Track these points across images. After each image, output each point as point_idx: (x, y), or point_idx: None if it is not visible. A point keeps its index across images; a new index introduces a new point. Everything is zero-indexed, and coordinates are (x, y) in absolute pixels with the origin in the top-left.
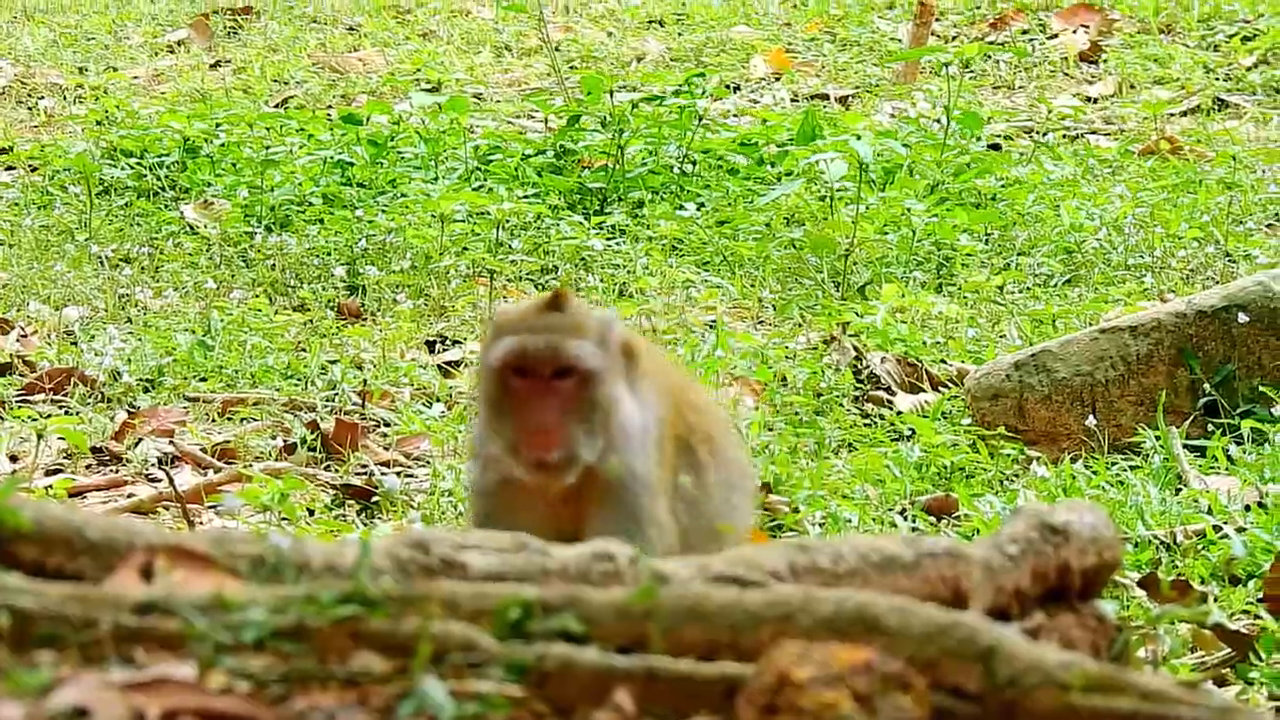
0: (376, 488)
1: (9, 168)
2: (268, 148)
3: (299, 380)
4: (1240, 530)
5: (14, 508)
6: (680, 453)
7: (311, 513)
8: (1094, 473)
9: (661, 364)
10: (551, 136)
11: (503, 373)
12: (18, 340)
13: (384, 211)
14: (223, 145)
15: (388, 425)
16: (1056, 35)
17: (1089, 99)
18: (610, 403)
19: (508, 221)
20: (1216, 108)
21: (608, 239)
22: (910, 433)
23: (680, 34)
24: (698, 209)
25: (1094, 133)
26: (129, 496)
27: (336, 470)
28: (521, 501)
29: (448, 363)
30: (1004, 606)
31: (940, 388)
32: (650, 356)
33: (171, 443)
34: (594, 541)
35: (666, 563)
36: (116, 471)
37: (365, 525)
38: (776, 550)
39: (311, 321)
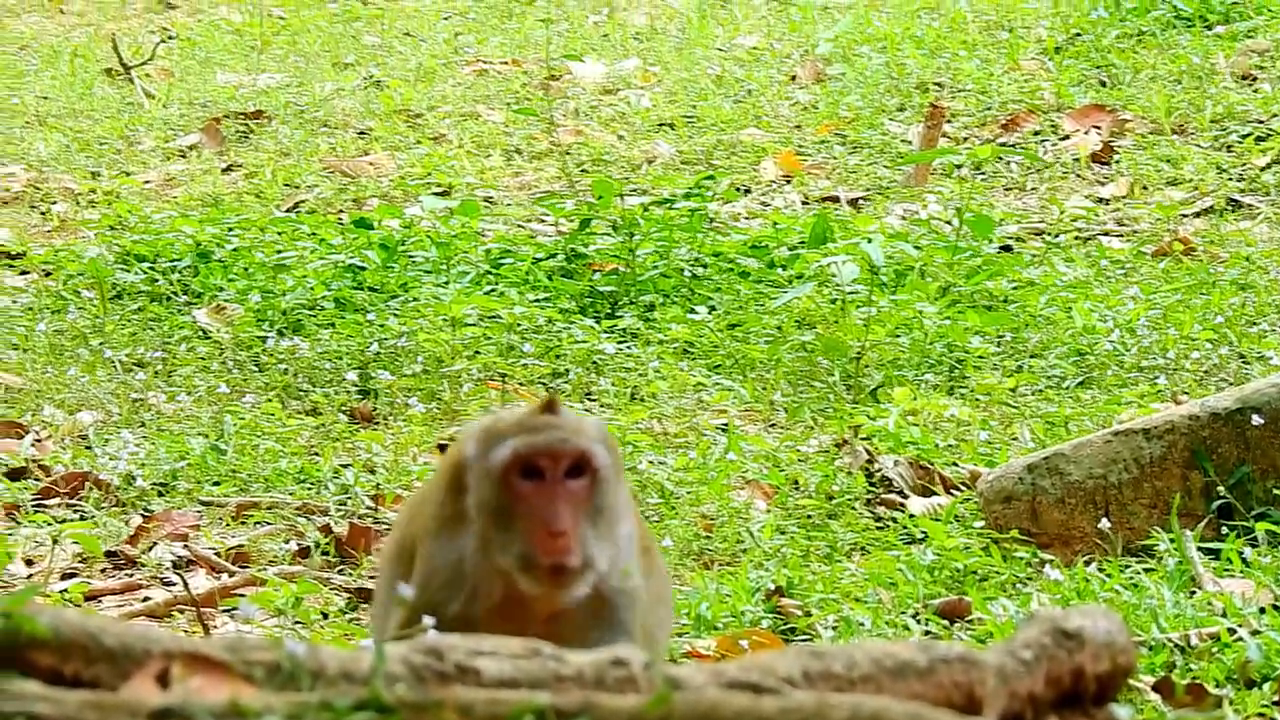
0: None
1: (22, 273)
2: (279, 252)
3: (312, 484)
4: (1255, 633)
5: (31, 615)
6: (646, 560)
7: (326, 616)
8: (1108, 575)
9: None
10: (562, 240)
11: (508, 476)
12: (32, 445)
13: (396, 315)
14: (235, 250)
15: None
16: (1068, 136)
17: (1101, 200)
18: (616, 508)
19: (519, 325)
20: (1230, 208)
21: (619, 342)
22: (923, 536)
23: (691, 136)
24: (709, 312)
25: (1106, 234)
26: (144, 600)
27: (350, 574)
28: (497, 628)
29: None
30: (1018, 712)
31: (953, 490)
32: None
33: (186, 546)
34: (609, 649)
35: (680, 668)
36: (131, 575)
37: None
38: (790, 656)
39: (324, 425)
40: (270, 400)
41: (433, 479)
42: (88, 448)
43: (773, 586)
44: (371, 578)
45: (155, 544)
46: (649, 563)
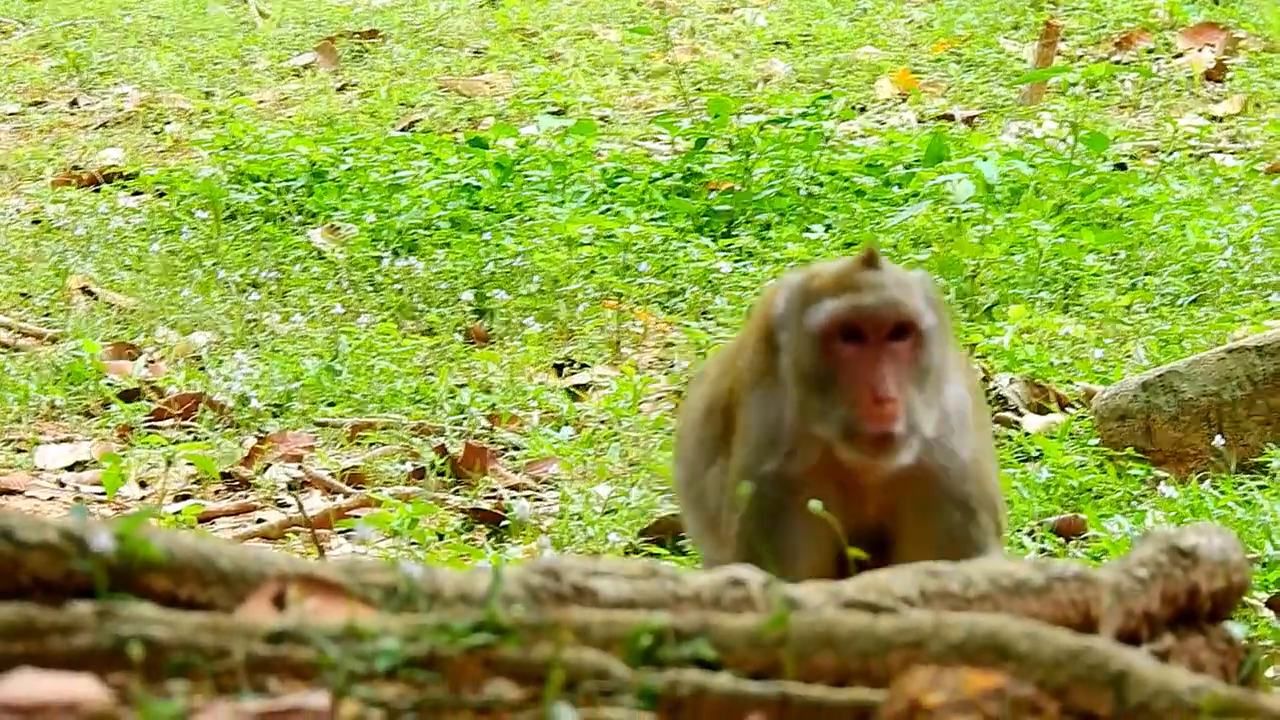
0: (506, 512)
1: (136, 193)
2: (394, 172)
3: (427, 405)
4: None
5: (146, 538)
6: (979, 412)
7: (441, 537)
8: (1221, 493)
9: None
10: (678, 159)
11: (828, 339)
12: (146, 366)
13: (511, 235)
14: (349, 170)
15: (516, 449)
16: (1182, 55)
17: (1215, 118)
18: (943, 370)
19: (635, 245)
20: None
21: (735, 261)
22: (1038, 454)
23: (806, 55)
24: (825, 231)
25: (1220, 152)
26: (258, 522)
27: (466, 495)
28: (820, 495)
29: (576, 386)
30: (1134, 630)
31: (1068, 409)
32: None
33: (300, 468)
34: (726, 569)
35: (798, 588)
36: (246, 497)
37: (495, 550)
38: (907, 575)
39: (439, 346)
40: (385, 321)
41: (745, 332)
42: (201, 369)
43: None
44: (489, 497)
45: (270, 465)
46: (980, 417)
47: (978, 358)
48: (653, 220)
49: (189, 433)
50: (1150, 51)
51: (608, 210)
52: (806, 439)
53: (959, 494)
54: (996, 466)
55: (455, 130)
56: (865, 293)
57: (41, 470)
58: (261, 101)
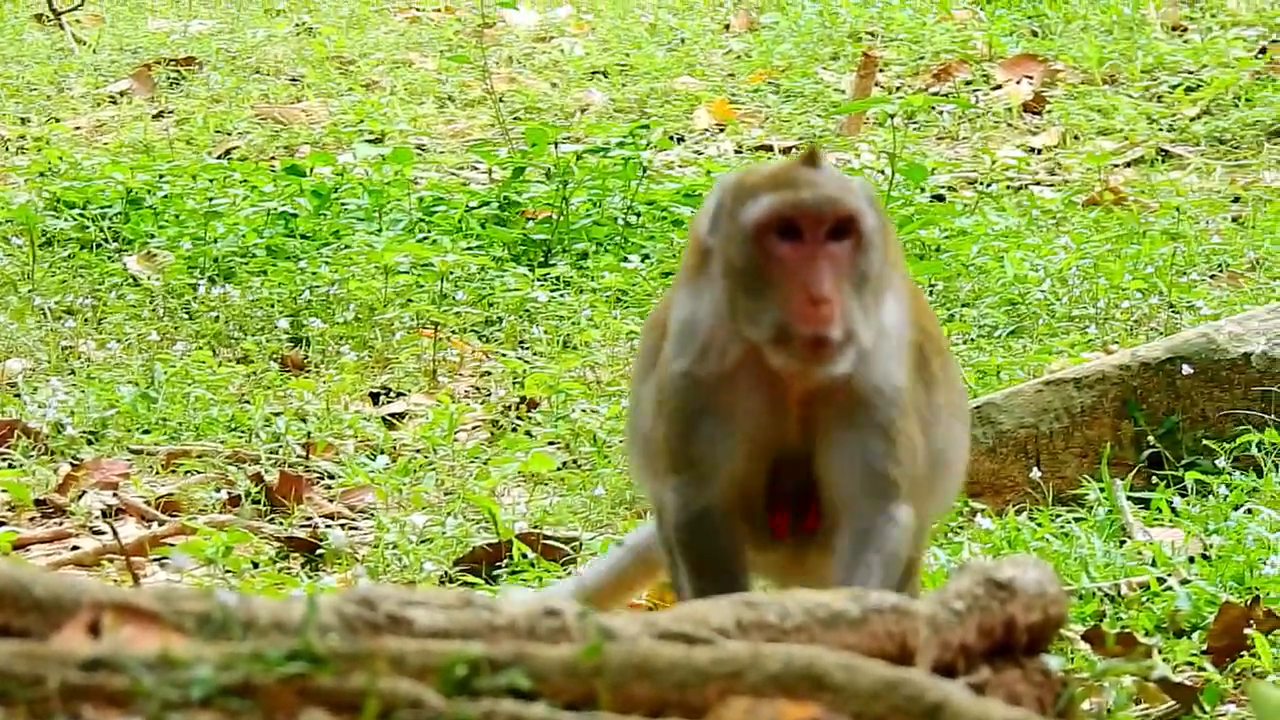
0: (321, 541)
1: None
2: (211, 199)
3: (243, 433)
4: (1184, 583)
5: None
6: (916, 365)
7: (256, 566)
8: (1038, 525)
9: (899, 257)
10: (495, 188)
11: (762, 235)
12: None
13: (328, 263)
14: (165, 197)
15: (332, 478)
16: (1000, 86)
17: (1033, 150)
18: (880, 279)
19: (452, 273)
20: (1160, 158)
21: (552, 290)
22: None
23: (624, 85)
24: (642, 260)
25: (1038, 183)
26: (73, 549)
27: (281, 523)
28: (739, 404)
29: (392, 415)
30: (950, 662)
31: None
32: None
33: (115, 495)
34: (544, 597)
35: (613, 618)
36: (60, 524)
37: (310, 579)
38: (724, 606)
39: (255, 373)
40: (201, 348)
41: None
42: (17, 395)
43: None
44: (303, 526)
45: (84, 493)
46: (941, 365)
47: None
48: (469, 249)
49: (4, 460)
50: (969, 83)
51: (425, 239)
52: (729, 341)
53: (883, 421)
54: (955, 425)
55: (272, 158)
56: (804, 188)
57: None
58: (78, 128)
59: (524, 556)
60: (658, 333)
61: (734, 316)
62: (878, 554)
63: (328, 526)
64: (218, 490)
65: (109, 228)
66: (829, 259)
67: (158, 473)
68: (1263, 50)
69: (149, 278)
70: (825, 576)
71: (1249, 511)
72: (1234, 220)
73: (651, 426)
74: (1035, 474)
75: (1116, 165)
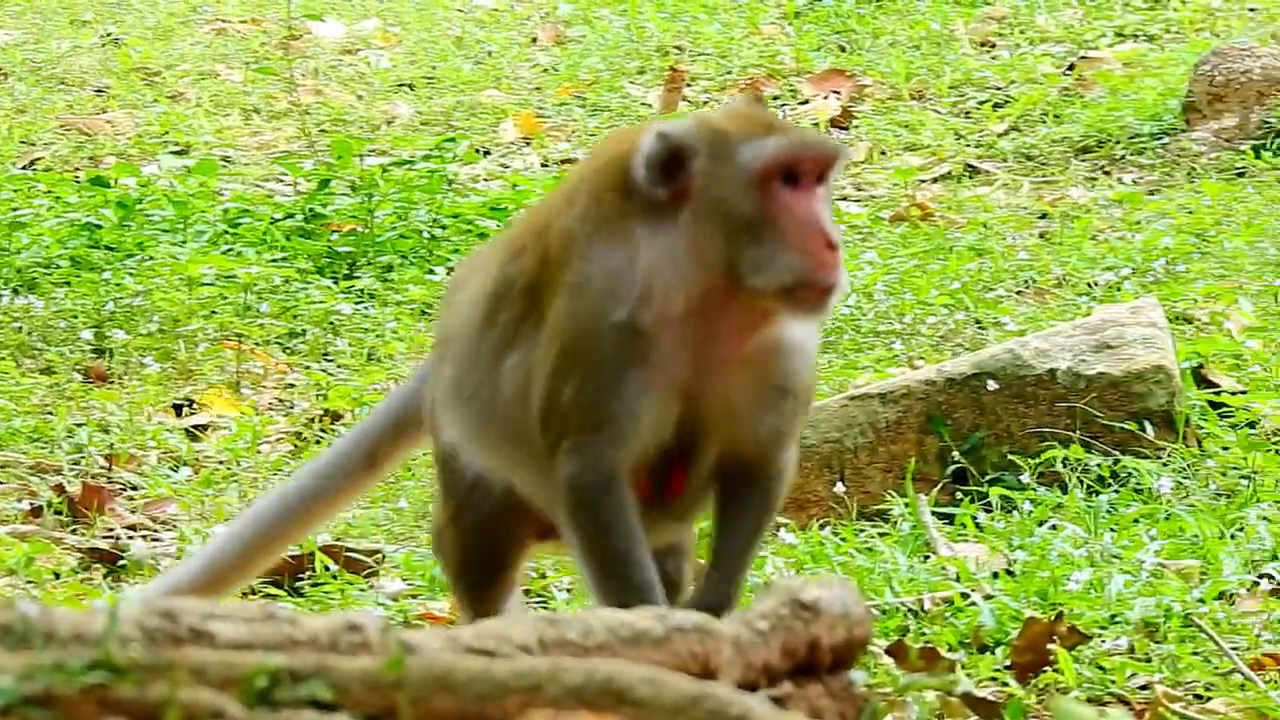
0: (124, 552)
1: None
2: (14, 210)
3: (45, 443)
4: (988, 598)
5: None
6: None
7: (58, 576)
8: (842, 540)
9: None
10: (300, 200)
11: (768, 180)
12: None
13: (132, 274)
14: None
15: (135, 489)
16: (808, 101)
17: None
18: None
19: (256, 285)
20: (968, 174)
21: (356, 303)
22: None
23: (430, 98)
24: (447, 273)
25: (844, 199)
26: None
27: (83, 534)
28: (672, 359)
29: (195, 426)
30: (753, 682)
31: None
32: None
33: None
34: (343, 613)
35: (416, 633)
36: None
37: (113, 590)
38: (526, 624)
39: (58, 384)
40: (3, 359)
41: (574, 185)
42: None
43: None
44: (106, 537)
45: None
46: None
47: None
48: (274, 261)
49: None
50: (776, 98)
51: (229, 250)
52: (673, 289)
53: (798, 379)
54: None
55: (77, 169)
56: (795, 133)
57: None
58: None
59: (326, 569)
60: (519, 304)
61: (725, 264)
62: (759, 516)
63: (130, 538)
64: (19, 501)
65: None
66: (824, 203)
67: None
68: (1071, 67)
69: None
70: (671, 539)
71: (1053, 527)
72: (1041, 236)
73: (544, 403)
74: (840, 489)
75: (924, 181)
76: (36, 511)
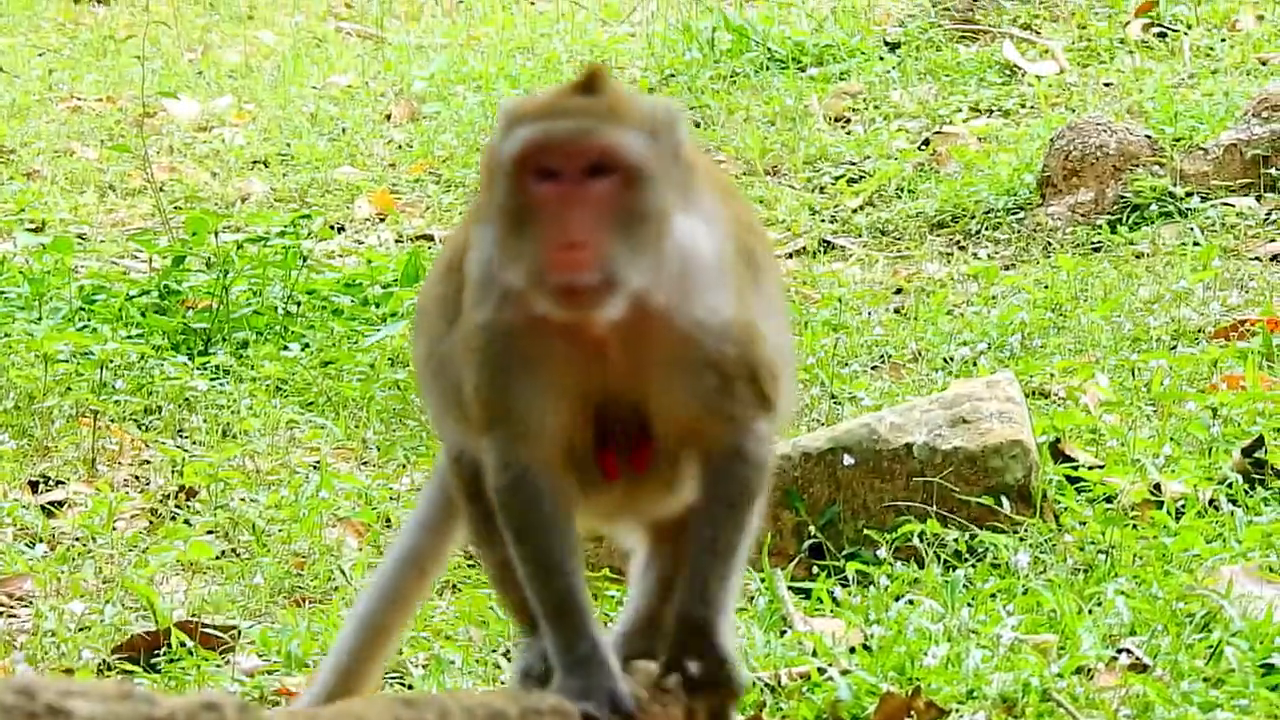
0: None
1: None
2: None
3: None
4: (845, 673)
5: None
6: (749, 267)
7: None
8: None
9: (706, 161)
10: (156, 276)
11: (519, 173)
12: None
13: None
14: None
15: None
16: None
17: None
18: (663, 214)
19: (111, 362)
20: (823, 250)
21: (212, 379)
22: None
23: (285, 175)
24: (302, 349)
25: None
26: None
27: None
28: (549, 352)
29: (51, 503)
30: None
31: None
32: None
33: None
34: (200, 691)
35: (272, 711)
36: None
37: None
38: (381, 704)
39: None
40: None
41: None
42: None
43: None
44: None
45: None
46: (752, 270)
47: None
48: (129, 337)
49: None
50: None
51: (85, 327)
52: (519, 287)
53: (713, 356)
54: (784, 335)
55: None
56: (560, 120)
57: None
58: None
59: (183, 645)
60: (455, 276)
61: (501, 260)
62: (729, 507)
63: None
64: None
65: None
66: (588, 200)
67: None
68: (926, 142)
69: None
70: (660, 515)
71: (910, 602)
72: (896, 311)
73: (464, 379)
74: None
75: (779, 256)
76: None
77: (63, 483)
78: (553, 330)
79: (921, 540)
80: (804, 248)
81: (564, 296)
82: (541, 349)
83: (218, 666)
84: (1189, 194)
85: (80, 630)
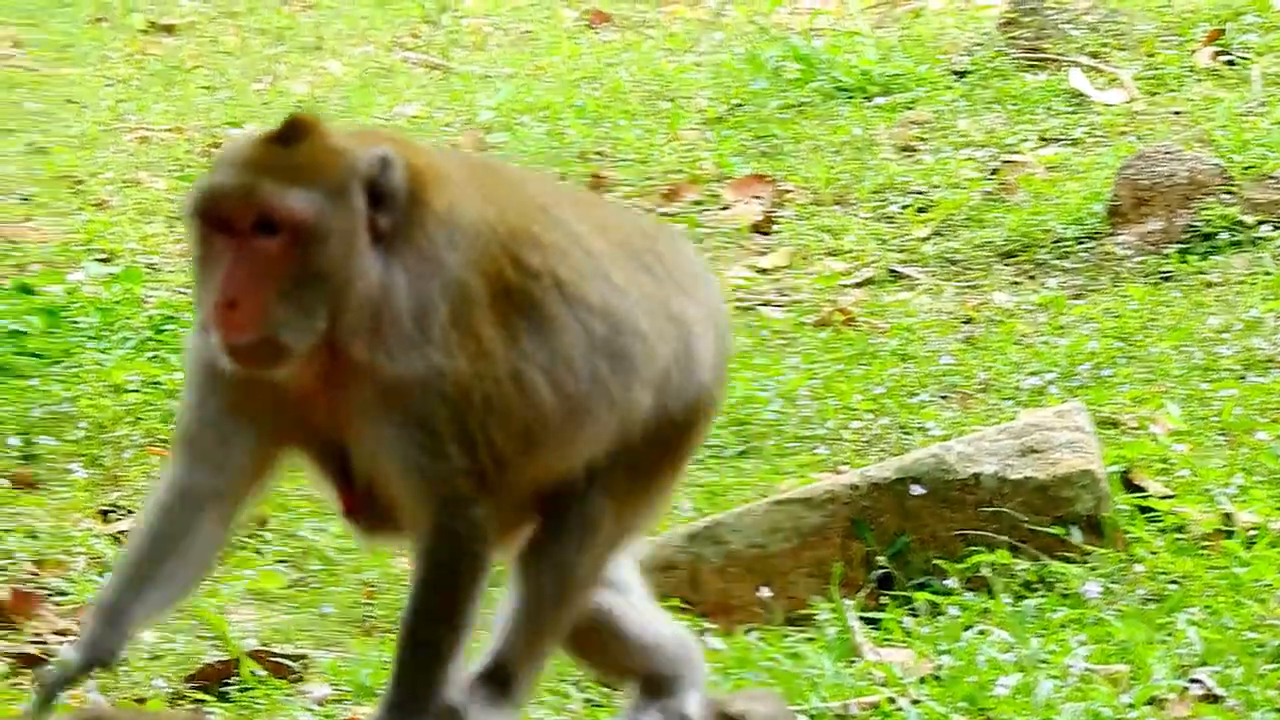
0: (53, 658)
1: None
2: None
3: None
4: (915, 703)
5: None
6: (517, 311)
7: None
8: (767, 644)
9: (493, 184)
10: None
11: (195, 222)
12: None
13: (59, 381)
14: None
15: (63, 594)
16: (729, 206)
17: (762, 270)
18: (342, 272)
19: (180, 391)
20: (890, 279)
21: None
22: None
23: None
24: None
25: (767, 304)
26: None
27: (12, 640)
28: (252, 388)
29: (121, 532)
30: None
31: None
32: (475, 177)
33: None
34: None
35: None
36: None
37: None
38: None
39: None
40: None
41: None
42: None
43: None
44: (34, 642)
45: None
46: (566, 299)
47: None
48: None
49: None
50: (698, 203)
51: (154, 357)
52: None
53: (420, 412)
54: (579, 383)
55: (2, 277)
56: (231, 175)
57: None
58: None
59: (254, 674)
60: None
61: (197, 305)
62: (424, 585)
63: (59, 643)
64: None
65: None
66: (254, 255)
67: None
68: (994, 171)
69: None
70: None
71: (980, 632)
72: (965, 341)
73: None
74: (764, 593)
75: (846, 285)
76: None
77: (133, 512)
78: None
79: (991, 570)
80: (871, 277)
81: (228, 353)
82: (246, 387)
83: (288, 695)
84: (1259, 222)
85: (153, 659)
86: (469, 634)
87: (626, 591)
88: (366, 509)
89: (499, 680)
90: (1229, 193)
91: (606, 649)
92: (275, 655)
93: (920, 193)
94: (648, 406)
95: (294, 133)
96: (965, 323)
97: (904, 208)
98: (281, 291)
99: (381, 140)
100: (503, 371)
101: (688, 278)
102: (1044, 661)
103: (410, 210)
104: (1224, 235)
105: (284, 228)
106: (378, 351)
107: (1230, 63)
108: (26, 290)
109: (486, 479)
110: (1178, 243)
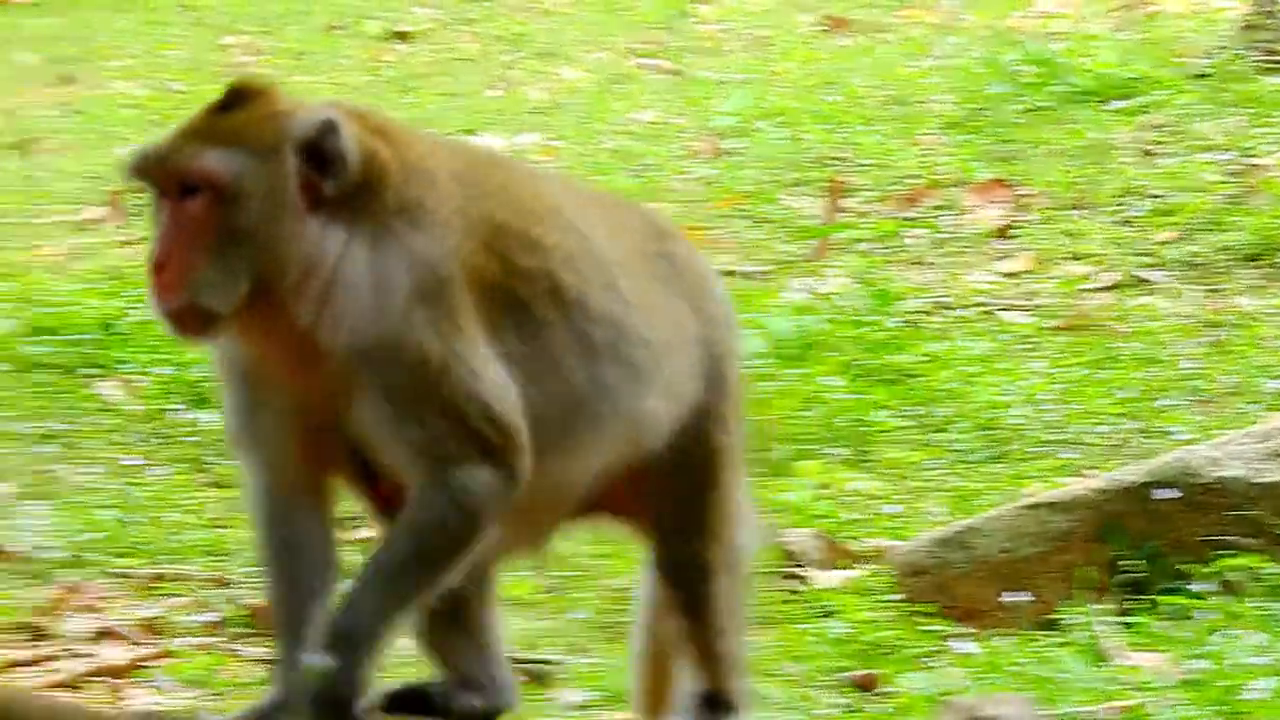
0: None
1: None
2: None
3: (220, 557)
4: (1171, 708)
5: None
6: (500, 310)
7: (241, 688)
8: (1017, 649)
9: (492, 181)
10: None
11: (138, 188)
12: None
13: None
14: (139, 322)
15: None
16: (969, 211)
17: (1004, 275)
18: (270, 233)
19: None
20: (1132, 283)
21: None
22: (832, 610)
23: None
24: None
25: (1009, 309)
26: (57, 672)
27: (265, 646)
28: (260, 366)
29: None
30: None
31: (860, 564)
32: (469, 170)
33: (97, 618)
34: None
35: None
36: (41, 647)
37: None
38: None
39: (231, 498)
40: (179, 472)
41: None
42: None
43: None
44: None
45: (67, 615)
46: (558, 303)
47: (769, 513)
48: None
49: None
50: (938, 208)
51: None
52: None
53: (398, 382)
54: (555, 382)
55: None
56: (160, 140)
57: None
58: (52, 255)
59: None
60: None
61: None
62: (404, 528)
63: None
64: (197, 613)
65: (84, 353)
66: (179, 217)
67: (140, 596)
68: (1235, 174)
69: (125, 403)
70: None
71: (1231, 636)
72: (1211, 345)
73: None
74: (1013, 597)
75: (1088, 290)
76: (219, 624)
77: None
78: (254, 346)
79: (1240, 574)
80: (1119, 282)
81: (163, 319)
82: (255, 370)
83: (542, 702)
84: None
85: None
86: (426, 596)
87: (489, 593)
88: (398, 505)
89: (721, 705)
90: None
91: (454, 638)
92: (527, 662)
93: (1160, 196)
94: (665, 416)
95: (236, 99)
96: (1210, 326)
97: (1144, 212)
98: (207, 253)
99: (342, 110)
100: (480, 359)
101: (697, 282)
102: None
103: (371, 184)
104: None
105: (203, 188)
106: (336, 324)
107: None
108: None
109: (489, 444)
110: None
